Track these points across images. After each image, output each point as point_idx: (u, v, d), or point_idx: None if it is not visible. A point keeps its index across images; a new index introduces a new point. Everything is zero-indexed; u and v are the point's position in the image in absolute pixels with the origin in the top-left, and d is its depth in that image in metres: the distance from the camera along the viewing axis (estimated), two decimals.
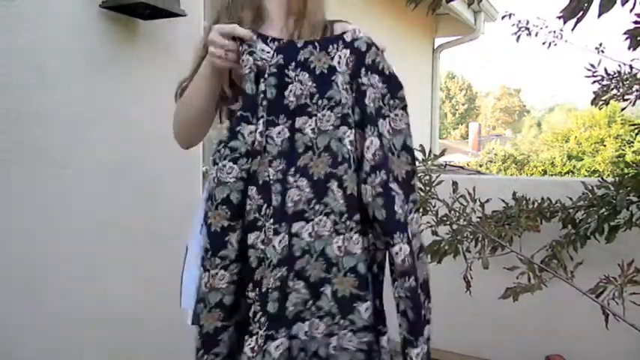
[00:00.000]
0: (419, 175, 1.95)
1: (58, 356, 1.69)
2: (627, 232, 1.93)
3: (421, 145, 1.85)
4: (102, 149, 1.81)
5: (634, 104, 2.07)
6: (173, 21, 1.97)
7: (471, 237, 2.01)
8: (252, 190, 1.01)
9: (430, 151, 1.91)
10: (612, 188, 1.93)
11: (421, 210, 1.94)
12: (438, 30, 5.82)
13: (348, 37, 1.03)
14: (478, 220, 2.07)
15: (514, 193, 2.15)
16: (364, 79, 1.02)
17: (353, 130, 1.02)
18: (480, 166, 12.66)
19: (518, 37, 2.38)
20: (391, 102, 1.03)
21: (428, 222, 1.96)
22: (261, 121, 1.01)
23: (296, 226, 1.02)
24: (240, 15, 1.12)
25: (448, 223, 2.00)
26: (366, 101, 1.02)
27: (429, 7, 1.94)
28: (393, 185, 1.02)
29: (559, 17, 1.55)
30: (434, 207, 1.98)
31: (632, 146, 10.91)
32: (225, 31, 1.02)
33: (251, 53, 1.01)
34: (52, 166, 1.65)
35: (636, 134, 2.18)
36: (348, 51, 1.03)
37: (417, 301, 1.04)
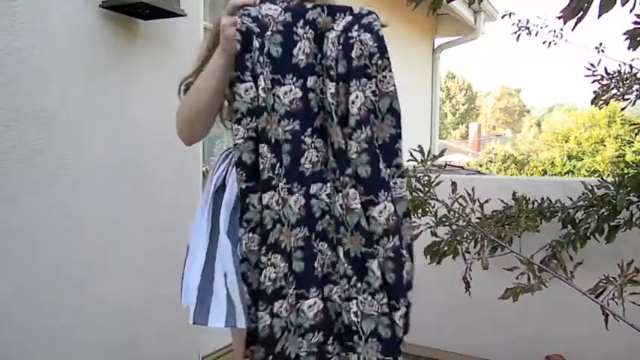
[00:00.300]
0: (418, 175, 1.95)
1: (57, 356, 1.69)
2: (627, 232, 1.93)
3: (420, 146, 1.85)
4: (101, 149, 1.81)
5: (634, 104, 2.06)
6: (173, 21, 1.97)
7: (471, 237, 2.01)
8: (264, 148, 1.00)
9: (430, 151, 1.91)
10: (612, 188, 1.93)
11: (420, 211, 1.94)
12: (438, 30, 5.81)
13: (355, 9, 1.04)
14: (477, 220, 2.06)
15: (514, 193, 2.15)
16: (354, 34, 1.01)
17: (334, 83, 1.00)
18: (480, 166, 12.68)
19: (518, 36, 2.38)
20: (379, 62, 1.01)
21: (427, 223, 1.95)
22: (261, 77, 0.99)
23: (314, 187, 1.01)
24: None
25: (447, 223, 2.00)
26: (353, 54, 1.00)
27: (429, 7, 1.94)
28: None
29: (559, 17, 1.55)
30: (433, 208, 1.98)
31: (632, 146, 10.92)
32: (230, 7, 1.03)
33: (242, 15, 1.00)
34: (51, 166, 1.65)
35: (636, 134, 2.17)
36: (351, 17, 1.03)
37: (400, 262, 1.01)
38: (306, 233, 1.00)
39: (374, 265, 1.00)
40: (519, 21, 2.38)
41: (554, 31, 2.38)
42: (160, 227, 2.04)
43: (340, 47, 1.01)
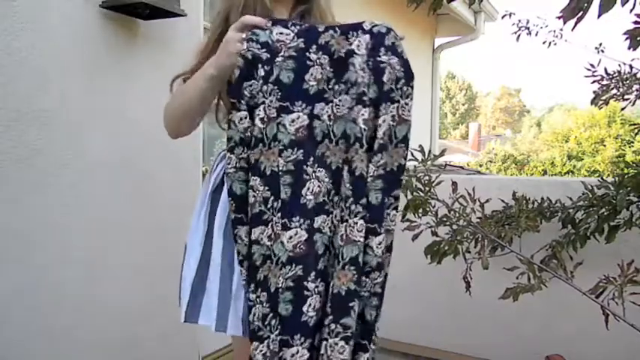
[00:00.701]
0: (419, 175, 1.95)
1: (57, 356, 1.69)
2: (627, 232, 1.93)
3: (420, 146, 1.85)
4: (101, 149, 1.81)
5: (634, 104, 2.06)
6: (173, 21, 1.97)
7: (471, 237, 2.01)
8: (256, 181, 0.96)
9: (430, 151, 1.91)
10: (612, 188, 1.93)
11: (420, 210, 1.94)
12: (438, 30, 5.82)
13: (366, 26, 1.00)
14: (478, 220, 2.06)
15: (514, 193, 2.15)
16: (383, 58, 0.98)
17: (367, 109, 0.97)
18: (480, 166, 12.68)
19: (518, 36, 2.38)
20: (404, 88, 0.99)
21: (427, 222, 1.95)
22: (261, 107, 0.95)
23: (318, 221, 0.95)
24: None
25: (448, 223, 2.00)
26: (384, 79, 0.97)
27: (429, 7, 1.94)
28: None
29: (559, 17, 1.55)
30: (433, 207, 1.98)
31: (632, 146, 10.92)
32: (238, 25, 1.01)
33: (250, 40, 0.97)
34: (51, 166, 1.65)
35: (636, 134, 2.17)
36: (368, 36, 0.99)
37: (382, 299, 0.98)
38: (297, 273, 0.93)
39: (356, 306, 0.94)
40: (519, 21, 2.38)
41: (554, 31, 2.38)
42: (159, 227, 2.04)
43: (371, 72, 0.98)
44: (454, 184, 1.97)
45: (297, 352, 0.92)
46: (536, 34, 2.38)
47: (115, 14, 1.82)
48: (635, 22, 1.68)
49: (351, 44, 0.99)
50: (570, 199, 2.10)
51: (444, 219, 1.99)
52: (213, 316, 1.10)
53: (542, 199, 2.15)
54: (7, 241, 1.54)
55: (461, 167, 4.11)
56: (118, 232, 1.89)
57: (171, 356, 2.12)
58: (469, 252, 1.99)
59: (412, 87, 0.99)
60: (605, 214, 1.92)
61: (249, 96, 0.96)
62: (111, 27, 1.83)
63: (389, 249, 1.01)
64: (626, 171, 1.99)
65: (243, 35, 0.99)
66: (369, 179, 0.96)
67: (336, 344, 0.92)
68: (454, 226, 2.01)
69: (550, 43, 2.39)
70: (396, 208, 1.01)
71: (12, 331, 1.56)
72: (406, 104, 0.99)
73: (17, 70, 1.55)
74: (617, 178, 1.94)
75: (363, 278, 0.96)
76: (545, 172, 11.73)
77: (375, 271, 0.96)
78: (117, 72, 1.87)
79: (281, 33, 0.98)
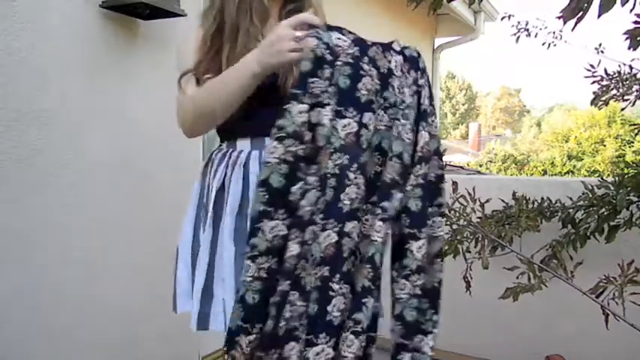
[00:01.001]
0: None
1: (57, 356, 1.69)
2: (627, 232, 1.93)
3: None
4: (101, 149, 1.81)
5: (634, 104, 2.06)
6: (173, 21, 1.97)
7: (471, 237, 2.01)
8: (316, 183, 0.96)
9: None
10: (612, 188, 1.93)
11: None
12: (438, 30, 5.81)
13: (397, 47, 1.06)
14: (478, 220, 2.07)
15: (514, 193, 2.15)
16: (421, 81, 1.07)
17: (407, 127, 1.03)
18: (480, 166, 12.68)
19: (518, 37, 2.38)
20: (429, 108, 1.08)
21: None
22: (328, 108, 0.96)
23: (349, 226, 0.96)
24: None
25: (448, 223, 2.00)
26: (422, 100, 1.06)
27: (429, 7, 1.94)
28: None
29: (559, 17, 1.55)
30: None
31: (632, 146, 10.92)
32: (295, 22, 0.99)
33: (313, 36, 0.97)
34: (51, 166, 1.65)
35: (636, 134, 2.18)
36: (401, 58, 1.05)
37: (433, 303, 1.03)
38: (324, 273, 0.94)
39: (370, 303, 0.96)
40: (518, 23, 2.39)
41: (554, 32, 2.38)
42: (159, 227, 2.04)
43: (412, 94, 1.05)
44: (454, 183, 1.98)
45: (323, 350, 0.93)
46: (536, 36, 2.38)
47: (115, 14, 1.82)
48: (635, 22, 1.68)
49: (389, 62, 1.03)
50: (570, 199, 2.10)
51: (445, 218, 1.99)
52: (226, 320, 1.08)
53: (542, 199, 2.15)
54: (7, 241, 1.54)
55: (461, 167, 4.11)
56: (118, 232, 1.89)
57: (171, 356, 2.12)
58: (469, 252, 1.99)
59: (434, 106, 1.09)
60: (605, 213, 1.92)
61: (311, 93, 0.96)
62: (111, 27, 1.83)
63: (437, 255, 1.06)
64: (626, 171, 1.99)
65: (298, 33, 0.97)
66: (408, 188, 1.02)
67: (347, 338, 0.94)
68: (454, 226, 2.01)
69: (549, 45, 2.40)
70: (441, 215, 1.08)
71: (12, 331, 1.56)
72: (432, 121, 1.07)
73: (17, 70, 1.55)
74: (617, 178, 1.94)
75: (403, 281, 1.00)
76: (545, 172, 11.74)
77: (414, 274, 1.00)
78: (117, 72, 1.87)
79: (339, 38, 0.98)
